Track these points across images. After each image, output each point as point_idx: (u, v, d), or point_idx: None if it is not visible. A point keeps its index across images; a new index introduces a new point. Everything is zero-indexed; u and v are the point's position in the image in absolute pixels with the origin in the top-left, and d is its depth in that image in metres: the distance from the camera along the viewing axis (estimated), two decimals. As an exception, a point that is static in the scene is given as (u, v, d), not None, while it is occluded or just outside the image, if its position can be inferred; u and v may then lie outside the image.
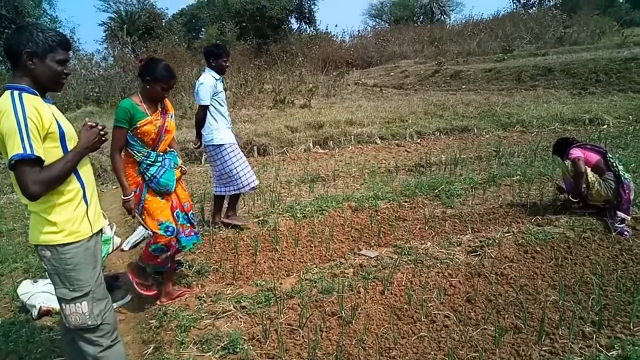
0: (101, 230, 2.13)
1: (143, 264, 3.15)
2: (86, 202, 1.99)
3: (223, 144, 4.16)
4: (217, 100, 4.19)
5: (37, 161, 1.76)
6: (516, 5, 35.39)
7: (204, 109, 4.12)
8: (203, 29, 36.41)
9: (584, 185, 4.01)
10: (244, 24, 28.24)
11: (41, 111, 1.80)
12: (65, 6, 63.28)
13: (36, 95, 1.86)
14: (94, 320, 1.98)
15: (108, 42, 22.77)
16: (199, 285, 3.35)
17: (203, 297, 3.13)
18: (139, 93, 2.95)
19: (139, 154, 2.91)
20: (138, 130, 2.85)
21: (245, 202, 5.19)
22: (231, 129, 4.37)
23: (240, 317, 2.88)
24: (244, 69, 15.19)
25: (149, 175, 2.95)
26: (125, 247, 4.31)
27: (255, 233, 4.26)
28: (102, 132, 2.00)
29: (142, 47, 17.40)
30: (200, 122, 4.17)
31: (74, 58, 16.21)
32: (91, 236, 2.00)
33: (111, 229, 4.45)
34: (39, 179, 1.77)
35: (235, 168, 4.20)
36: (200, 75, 4.28)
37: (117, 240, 4.40)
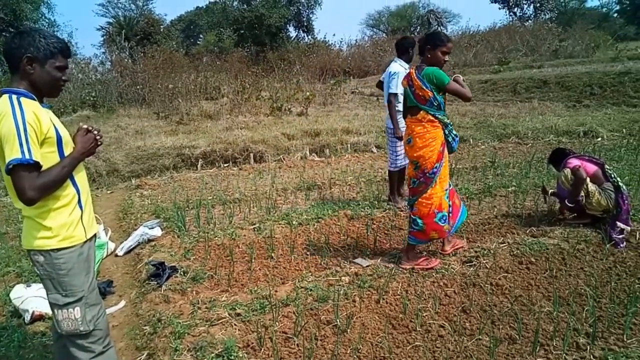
0: (95, 235, 2.12)
1: (420, 241, 3.57)
2: (81, 207, 1.98)
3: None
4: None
5: (35, 166, 1.76)
6: (512, 18, 35.85)
7: (394, 96, 4.77)
8: (201, 36, 36.57)
9: (582, 194, 4.03)
10: (242, 32, 28.40)
11: (40, 116, 1.80)
12: (63, 10, 63.37)
13: (34, 100, 1.86)
14: (86, 326, 1.96)
15: (106, 47, 22.84)
16: (194, 292, 3.32)
17: (197, 304, 3.11)
18: (423, 65, 3.43)
19: (445, 117, 3.47)
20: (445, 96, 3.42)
21: (241, 209, 5.18)
22: None
23: (235, 325, 2.86)
24: (242, 75, 15.25)
25: (453, 135, 3.52)
26: (120, 252, 4.30)
27: (250, 240, 4.26)
28: (97, 137, 2.00)
29: (140, 52, 17.39)
30: (392, 109, 4.81)
31: (71, 62, 16.20)
32: (85, 241, 1.99)
33: (106, 234, 4.43)
34: (36, 185, 1.76)
35: (396, 150, 4.99)
36: (390, 64, 5.00)
37: (112, 245, 4.38)
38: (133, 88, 13.23)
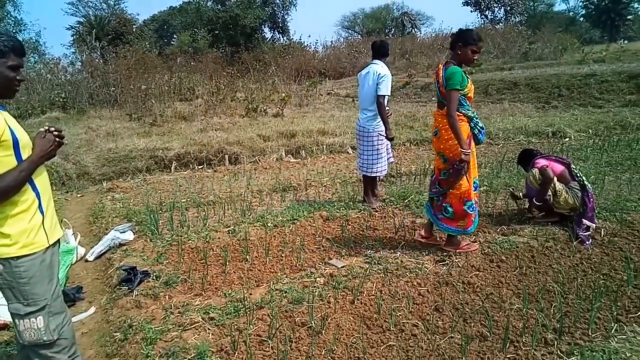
0: (59, 241, 2.06)
1: (448, 228, 3.76)
2: (42, 212, 1.91)
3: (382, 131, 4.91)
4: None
5: None
6: (484, 21, 36.62)
7: (384, 98, 4.78)
8: (175, 36, 36.10)
9: (549, 193, 4.14)
10: (217, 32, 28.16)
11: None
12: (30, 8, 61.46)
13: None
14: (50, 335, 1.90)
15: (76, 47, 22.26)
16: (167, 297, 3.27)
17: (170, 308, 3.06)
18: (450, 62, 3.56)
19: (469, 112, 3.59)
20: (467, 92, 3.55)
21: (215, 212, 5.13)
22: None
23: (209, 329, 2.83)
24: (216, 76, 15.10)
25: (479, 127, 3.65)
26: (90, 257, 4.19)
27: (225, 243, 4.22)
28: (57, 136, 1.92)
29: (111, 52, 17.02)
30: (384, 110, 4.80)
31: (39, 62, 15.75)
32: (47, 248, 1.92)
33: (75, 238, 4.33)
34: None
35: (379, 151, 4.96)
36: (371, 66, 4.96)
37: (82, 250, 4.27)
38: (104, 89, 12.94)
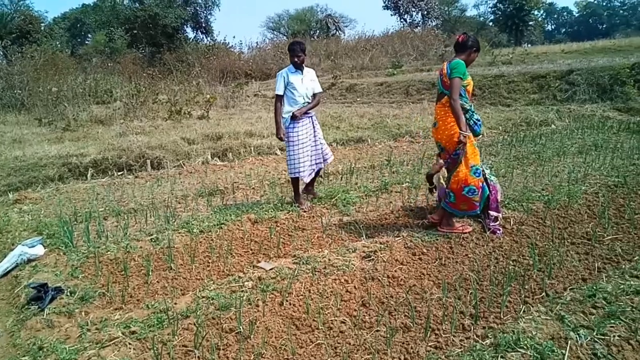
0: None
1: (454, 211, 4.07)
2: None
3: (293, 126, 4.88)
4: (290, 90, 4.84)
5: None
6: (403, 24, 38.21)
7: (278, 98, 4.88)
8: (89, 35, 34.01)
9: None
10: (135, 32, 26.87)
11: None
12: None
13: None
14: None
15: (-27, 46, 20.21)
16: (83, 313, 3.06)
17: (87, 325, 2.87)
18: (455, 58, 3.94)
19: (466, 104, 3.93)
20: (467, 85, 3.93)
21: (137, 220, 4.89)
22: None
23: (130, 344, 2.69)
24: (136, 78, 14.43)
25: (475, 119, 3.98)
26: (-6, 276, 3.82)
27: (147, 252, 4.03)
28: None
29: (16, 52, 15.66)
30: (276, 111, 4.90)
31: None
32: None
33: (-25, 257, 3.92)
34: None
35: (292, 152, 4.90)
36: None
37: (-17, 269, 3.88)
38: (9, 92, 11.93)
